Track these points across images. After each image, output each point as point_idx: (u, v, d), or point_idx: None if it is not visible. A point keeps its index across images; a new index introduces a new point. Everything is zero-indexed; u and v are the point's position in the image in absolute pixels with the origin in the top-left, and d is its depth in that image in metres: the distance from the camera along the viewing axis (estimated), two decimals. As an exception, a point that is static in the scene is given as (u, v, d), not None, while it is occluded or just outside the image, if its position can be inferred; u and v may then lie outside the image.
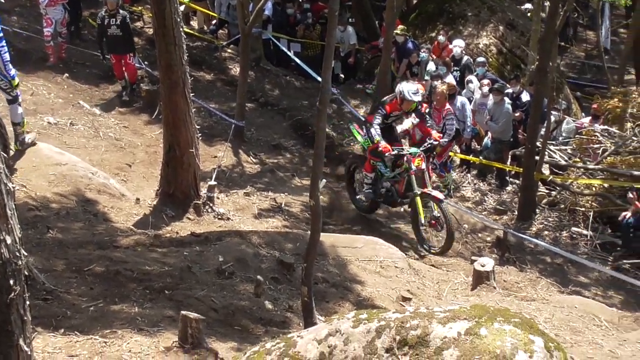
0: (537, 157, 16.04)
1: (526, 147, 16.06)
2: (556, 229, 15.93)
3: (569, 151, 17.83)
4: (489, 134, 17.51)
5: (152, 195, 12.72)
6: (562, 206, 16.62)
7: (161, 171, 12.57)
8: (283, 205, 14.64)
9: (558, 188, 17.09)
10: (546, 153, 16.69)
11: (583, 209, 16.35)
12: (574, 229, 15.92)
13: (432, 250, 13.20)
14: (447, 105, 16.23)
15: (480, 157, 17.50)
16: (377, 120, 13.42)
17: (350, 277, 10.23)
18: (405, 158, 13.48)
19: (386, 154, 13.37)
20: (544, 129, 16.37)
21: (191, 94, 12.11)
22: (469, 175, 17.65)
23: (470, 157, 17.68)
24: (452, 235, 12.90)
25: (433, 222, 13.19)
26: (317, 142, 7.89)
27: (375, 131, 13.30)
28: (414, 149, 13.68)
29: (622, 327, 11.05)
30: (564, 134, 18.26)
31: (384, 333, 4.54)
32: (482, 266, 11.32)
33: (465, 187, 17.28)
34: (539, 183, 16.64)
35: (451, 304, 4.92)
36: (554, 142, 17.73)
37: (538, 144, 16.08)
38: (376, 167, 13.89)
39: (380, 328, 4.58)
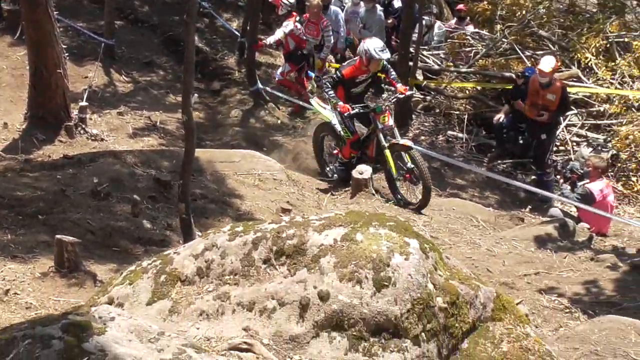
0: (410, 63, 16.12)
1: (399, 53, 16.10)
2: (432, 134, 16.13)
3: (442, 55, 18.00)
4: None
5: (20, 119, 12.35)
6: (437, 110, 16.80)
7: (28, 94, 12.19)
8: (158, 123, 14.44)
9: (432, 93, 17.25)
10: (419, 58, 16.79)
11: (458, 112, 16.57)
12: (449, 132, 16.15)
13: (410, 207, 11.60)
14: (323, 17, 16.13)
15: (355, 66, 17.47)
16: (328, 84, 12.06)
17: (228, 191, 10.18)
18: (370, 116, 11.93)
19: (345, 114, 11.84)
20: (416, 35, 16.44)
21: (55, 13, 11.70)
22: (344, 84, 17.61)
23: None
24: (428, 187, 11.47)
25: (407, 175, 11.76)
26: (186, 56, 7.77)
27: (329, 94, 11.96)
28: (377, 106, 11.93)
29: (498, 226, 11.36)
30: (435, 39, 18.39)
31: (260, 244, 4.50)
32: (360, 174, 11.40)
33: (340, 96, 17.25)
34: (414, 88, 16.75)
35: (330, 213, 4.91)
36: (426, 47, 17.84)
37: (411, 49, 16.14)
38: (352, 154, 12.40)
39: (256, 240, 4.54)
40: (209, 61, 17.85)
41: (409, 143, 11.89)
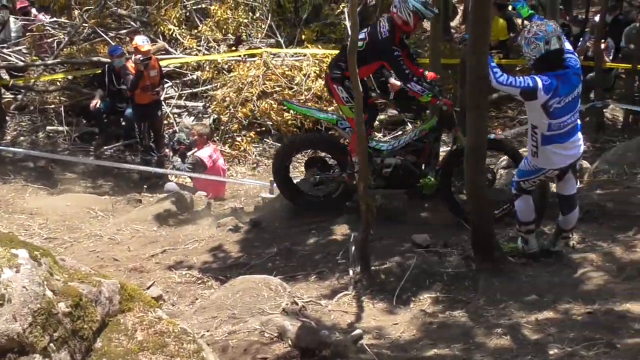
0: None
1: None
2: (31, 132, 15.61)
3: (24, 51, 17.32)
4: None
5: None
6: (32, 108, 16.27)
7: None
8: None
9: (23, 90, 16.62)
10: (0, 58, 16.08)
11: (53, 105, 16.16)
12: (49, 127, 15.71)
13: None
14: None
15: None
16: (398, 57, 8.75)
17: None
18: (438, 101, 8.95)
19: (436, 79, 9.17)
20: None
21: None
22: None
23: None
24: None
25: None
26: None
27: (404, 67, 8.82)
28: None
29: (117, 212, 11.23)
30: (13, 34, 17.57)
31: None
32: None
33: None
34: (2, 89, 16.02)
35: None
36: (5, 45, 17.02)
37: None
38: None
39: None
40: None
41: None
